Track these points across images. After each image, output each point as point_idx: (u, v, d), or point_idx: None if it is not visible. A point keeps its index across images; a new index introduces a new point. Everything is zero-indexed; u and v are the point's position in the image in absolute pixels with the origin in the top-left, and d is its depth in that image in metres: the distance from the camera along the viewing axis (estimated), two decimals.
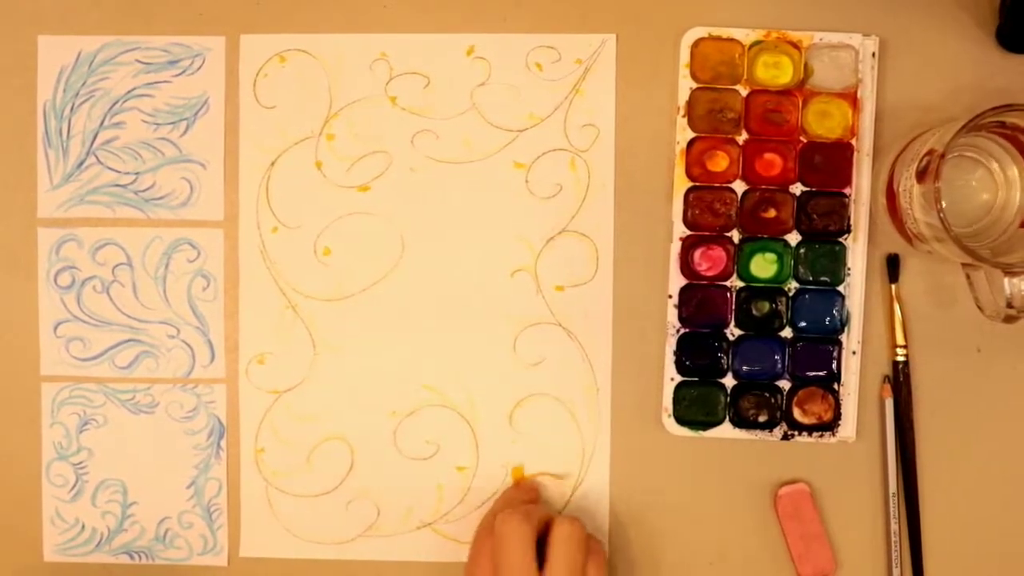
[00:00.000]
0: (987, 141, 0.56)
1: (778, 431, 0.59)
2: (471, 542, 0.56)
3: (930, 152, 0.52)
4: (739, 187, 0.59)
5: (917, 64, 0.59)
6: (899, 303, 0.59)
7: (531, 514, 0.54)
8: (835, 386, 0.59)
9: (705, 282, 0.59)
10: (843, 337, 0.59)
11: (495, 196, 0.60)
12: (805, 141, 0.59)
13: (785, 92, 0.59)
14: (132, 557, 0.61)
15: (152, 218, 0.61)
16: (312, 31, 0.60)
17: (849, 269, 0.59)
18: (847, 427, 0.59)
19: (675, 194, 0.59)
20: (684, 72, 0.59)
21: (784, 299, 0.59)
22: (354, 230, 0.61)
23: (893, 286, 0.59)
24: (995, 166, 0.56)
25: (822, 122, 0.59)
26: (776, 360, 0.59)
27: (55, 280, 0.61)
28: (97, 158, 0.61)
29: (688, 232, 0.59)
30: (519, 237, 0.60)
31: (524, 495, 0.59)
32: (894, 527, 0.59)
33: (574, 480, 0.60)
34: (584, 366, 0.60)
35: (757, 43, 0.59)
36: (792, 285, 0.59)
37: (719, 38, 0.59)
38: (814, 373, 0.59)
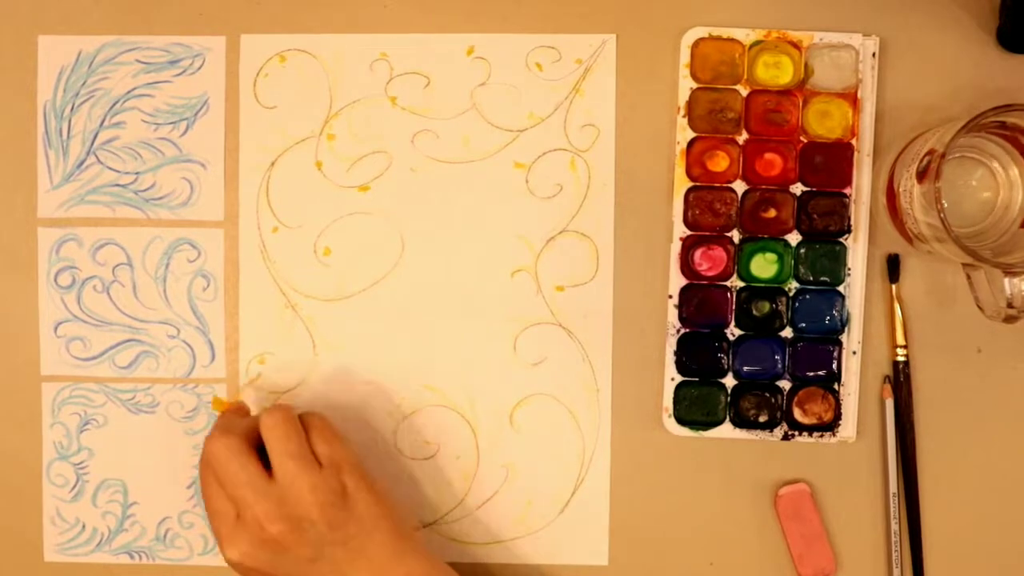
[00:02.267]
0: (987, 141, 0.56)
1: (778, 431, 0.59)
2: (199, 478, 0.55)
3: (930, 152, 0.51)
4: (739, 187, 0.59)
5: (917, 64, 0.59)
6: (899, 303, 0.59)
7: (230, 425, 0.54)
8: (835, 386, 0.59)
9: (705, 282, 0.59)
10: (843, 337, 0.59)
11: (495, 196, 0.60)
12: (805, 141, 0.59)
13: (785, 92, 0.59)
14: (132, 557, 0.61)
15: (152, 218, 0.61)
16: (312, 31, 0.60)
17: (849, 269, 0.59)
18: (847, 427, 0.59)
19: (675, 194, 0.59)
20: (684, 72, 0.59)
21: (784, 299, 0.59)
22: (354, 230, 0.61)
23: (893, 286, 0.59)
24: (995, 166, 0.56)
25: (822, 122, 0.58)
26: (776, 360, 0.59)
27: (55, 280, 0.61)
28: (97, 158, 0.61)
29: (688, 232, 0.59)
30: (519, 237, 0.60)
31: (235, 417, 0.58)
32: (894, 527, 0.59)
33: (575, 480, 0.60)
34: (584, 366, 0.60)
35: (757, 43, 0.59)
36: (792, 285, 0.59)
37: (719, 38, 0.59)
38: (814, 373, 0.59)
